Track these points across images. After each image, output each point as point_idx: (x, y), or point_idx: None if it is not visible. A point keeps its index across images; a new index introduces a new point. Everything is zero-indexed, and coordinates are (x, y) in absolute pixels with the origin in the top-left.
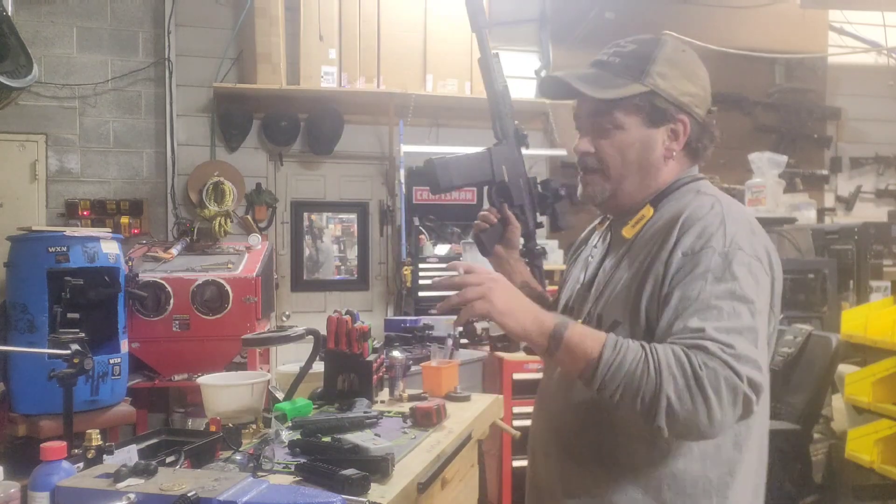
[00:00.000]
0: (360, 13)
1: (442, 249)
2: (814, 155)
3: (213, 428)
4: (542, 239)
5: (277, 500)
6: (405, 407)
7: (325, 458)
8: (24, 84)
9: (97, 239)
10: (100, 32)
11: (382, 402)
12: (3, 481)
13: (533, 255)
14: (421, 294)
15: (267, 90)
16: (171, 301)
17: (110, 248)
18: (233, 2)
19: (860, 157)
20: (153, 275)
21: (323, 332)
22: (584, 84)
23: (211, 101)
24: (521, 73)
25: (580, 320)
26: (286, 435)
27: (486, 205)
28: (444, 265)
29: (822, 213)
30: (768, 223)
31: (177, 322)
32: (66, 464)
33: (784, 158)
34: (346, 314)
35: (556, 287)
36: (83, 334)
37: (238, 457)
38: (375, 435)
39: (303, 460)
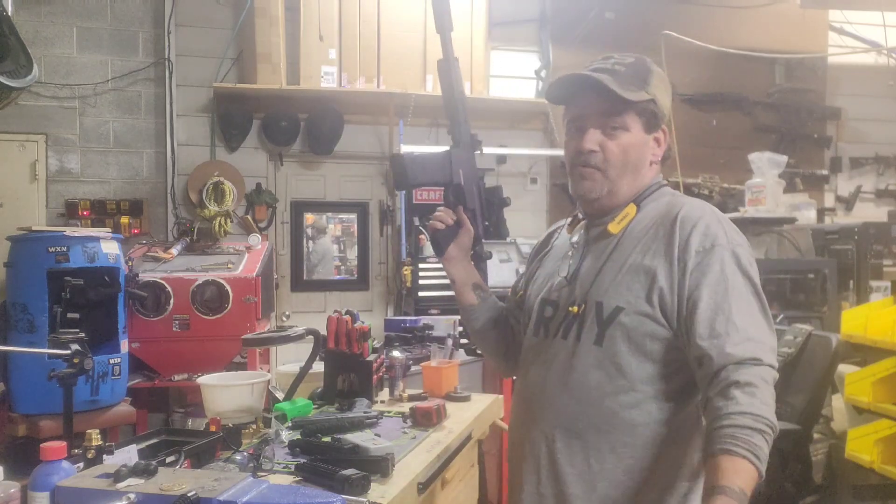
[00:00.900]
0: (360, 13)
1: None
2: (814, 155)
3: (213, 428)
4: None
5: (277, 500)
6: (405, 407)
7: (325, 458)
8: (24, 84)
9: (97, 239)
10: (100, 32)
11: (382, 402)
12: (3, 481)
13: (480, 259)
14: (421, 294)
15: (267, 90)
16: (171, 301)
17: (110, 248)
18: (233, 2)
19: (860, 157)
20: (153, 275)
21: (323, 332)
22: (614, 84)
23: (211, 101)
24: (521, 74)
25: (574, 309)
26: (286, 435)
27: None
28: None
29: (822, 213)
30: (768, 223)
31: (177, 322)
32: (66, 464)
33: (784, 158)
34: (346, 314)
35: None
36: (83, 334)
37: (238, 457)
38: (375, 435)
39: (303, 460)
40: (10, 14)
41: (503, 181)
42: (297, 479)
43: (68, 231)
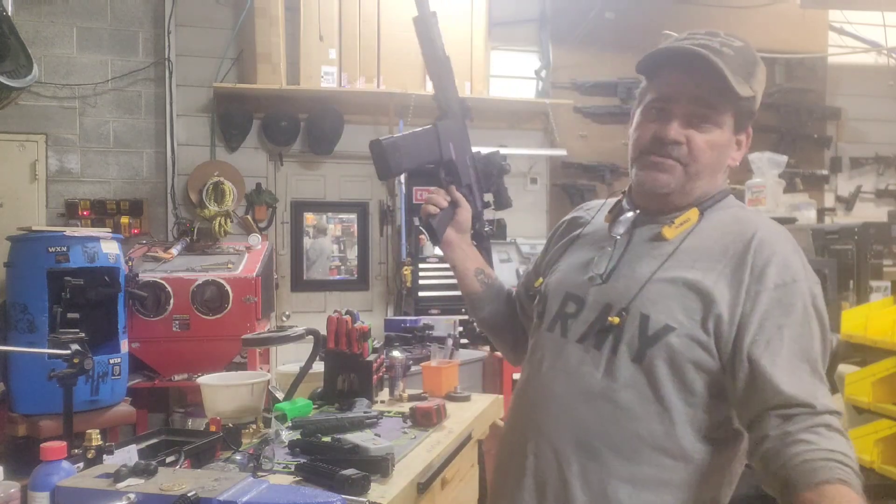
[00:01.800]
0: (360, 13)
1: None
2: (814, 155)
3: (213, 428)
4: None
5: (277, 500)
6: (405, 407)
7: (325, 458)
8: (24, 84)
9: (97, 239)
10: (100, 32)
11: (382, 402)
12: (3, 481)
13: (481, 238)
14: (421, 294)
15: (267, 90)
16: (171, 301)
17: (110, 248)
18: (233, 2)
19: (860, 157)
20: (153, 275)
21: (323, 332)
22: (732, 75)
23: (211, 101)
24: (521, 74)
25: (615, 320)
26: (286, 435)
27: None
28: (444, 265)
29: (822, 213)
30: None
31: (177, 322)
32: (66, 464)
33: (784, 158)
34: (346, 314)
35: None
36: (83, 334)
37: (238, 457)
38: (375, 435)
39: (303, 460)
40: (10, 14)
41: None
42: (297, 479)
43: (68, 231)
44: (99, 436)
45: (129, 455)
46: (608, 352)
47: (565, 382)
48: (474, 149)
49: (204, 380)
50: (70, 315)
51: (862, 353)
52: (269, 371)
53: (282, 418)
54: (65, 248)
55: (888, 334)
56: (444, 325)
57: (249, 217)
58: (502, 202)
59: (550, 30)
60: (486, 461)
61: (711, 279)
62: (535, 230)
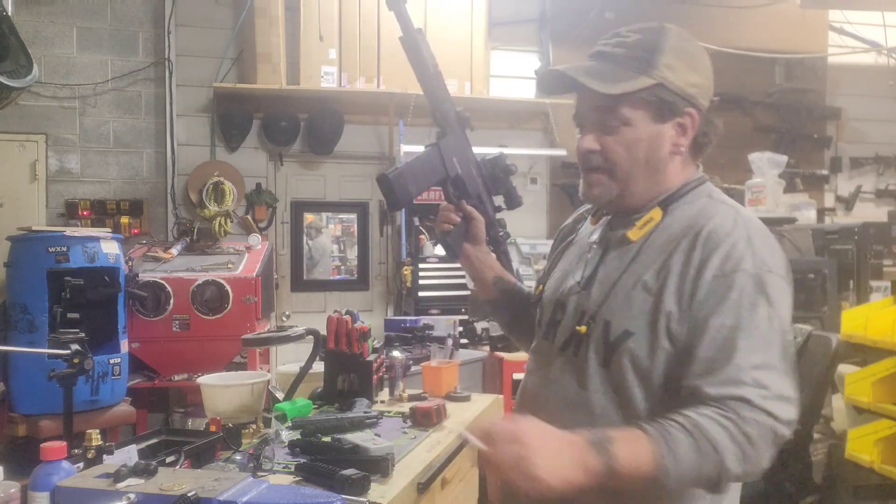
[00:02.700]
0: (360, 13)
1: (442, 250)
2: (814, 155)
3: (213, 428)
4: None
5: (277, 500)
6: (405, 407)
7: (325, 458)
8: (24, 84)
9: (97, 239)
10: (100, 32)
11: (382, 402)
12: (3, 481)
13: (497, 243)
14: (421, 294)
15: (267, 90)
16: (171, 301)
17: (110, 248)
18: (233, 2)
19: (860, 157)
20: (153, 275)
21: (323, 332)
22: (590, 78)
23: (211, 101)
24: (522, 73)
25: (582, 329)
26: (286, 435)
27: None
28: (444, 265)
29: (822, 213)
30: (768, 223)
31: (177, 322)
32: (66, 464)
33: (784, 158)
34: (346, 314)
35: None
36: (83, 334)
37: (238, 457)
38: (375, 435)
39: (303, 460)
40: (10, 14)
41: None
42: (297, 479)
43: (68, 231)
44: (99, 436)
45: (129, 455)
46: (582, 358)
47: (551, 391)
48: (479, 152)
49: (204, 380)
50: (70, 315)
51: (862, 353)
52: (269, 371)
53: (282, 418)
54: (65, 248)
55: (888, 334)
56: (443, 325)
57: (249, 217)
58: (513, 202)
59: (550, 30)
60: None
61: (662, 278)
62: (535, 230)
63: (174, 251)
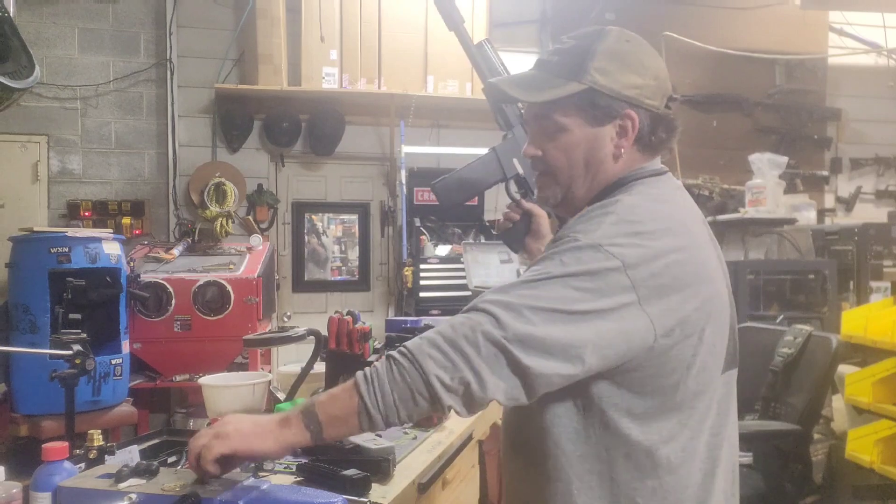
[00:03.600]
0: (361, 14)
1: (443, 250)
2: (814, 156)
3: None
4: None
5: (278, 500)
6: None
7: (326, 459)
8: (26, 85)
9: (99, 240)
10: (101, 33)
11: None
12: (4, 482)
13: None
14: (422, 295)
15: (268, 91)
16: (173, 302)
17: (112, 249)
18: (234, 3)
19: (860, 158)
20: (155, 275)
21: (324, 332)
22: (518, 88)
23: (212, 102)
24: None
25: None
26: None
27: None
28: (445, 266)
29: (822, 213)
30: (768, 224)
31: (178, 323)
32: (67, 464)
33: (784, 159)
34: (347, 315)
35: None
36: (85, 335)
37: None
38: (376, 435)
39: (304, 460)
40: (11, 15)
41: None
42: (298, 479)
43: (70, 232)
44: (101, 436)
45: (130, 455)
46: None
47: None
48: None
49: (205, 380)
50: (72, 316)
51: (862, 353)
52: (270, 371)
53: None
54: (66, 249)
55: (888, 335)
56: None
57: (251, 218)
58: None
59: (551, 31)
60: (486, 461)
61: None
62: None
63: (176, 252)
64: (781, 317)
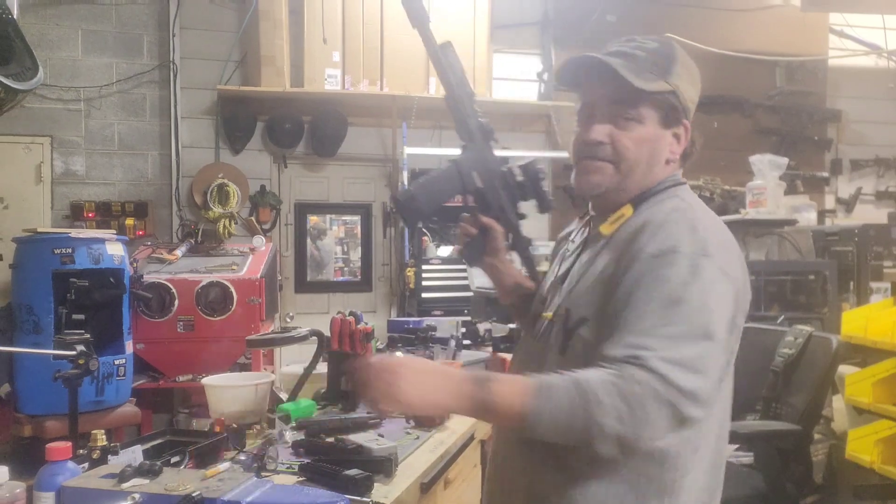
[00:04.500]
0: (363, 16)
1: (445, 251)
2: (814, 157)
3: (217, 428)
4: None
5: (281, 500)
6: None
7: (329, 459)
8: (30, 87)
9: (102, 240)
10: (105, 35)
11: None
12: (8, 481)
13: (520, 249)
14: (424, 295)
15: (271, 93)
16: (176, 302)
17: (115, 250)
18: (237, 5)
19: (860, 159)
20: (158, 276)
21: (326, 333)
22: (625, 69)
23: (215, 104)
24: (524, 76)
25: (549, 313)
26: (290, 435)
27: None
28: (447, 266)
29: (822, 214)
30: (769, 225)
31: (181, 323)
32: (71, 464)
33: (785, 161)
34: (349, 315)
35: None
36: (88, 335)
37: (242, 457)
38: (379, 435)
39: (306, 460)
40: (15, 17)
41: None
42: (300, 479)
43: (73, 233)
44: (104, 436)
45: (134, 455)
46: (544, 347)
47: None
48: (517, 156)
49: (208, 380)
50: (75, 316)
51: (862, 354)
52: (273, 372)
53: (286, 419)
54: (70, 250)
55: (888, 335)
56: (447, 326)
57: (253, 219)
58: (544, 206)
59: (553, 32)
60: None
61: (613, 266)
62: (537, 232)
63: (179, 253)
64: (782, 317)
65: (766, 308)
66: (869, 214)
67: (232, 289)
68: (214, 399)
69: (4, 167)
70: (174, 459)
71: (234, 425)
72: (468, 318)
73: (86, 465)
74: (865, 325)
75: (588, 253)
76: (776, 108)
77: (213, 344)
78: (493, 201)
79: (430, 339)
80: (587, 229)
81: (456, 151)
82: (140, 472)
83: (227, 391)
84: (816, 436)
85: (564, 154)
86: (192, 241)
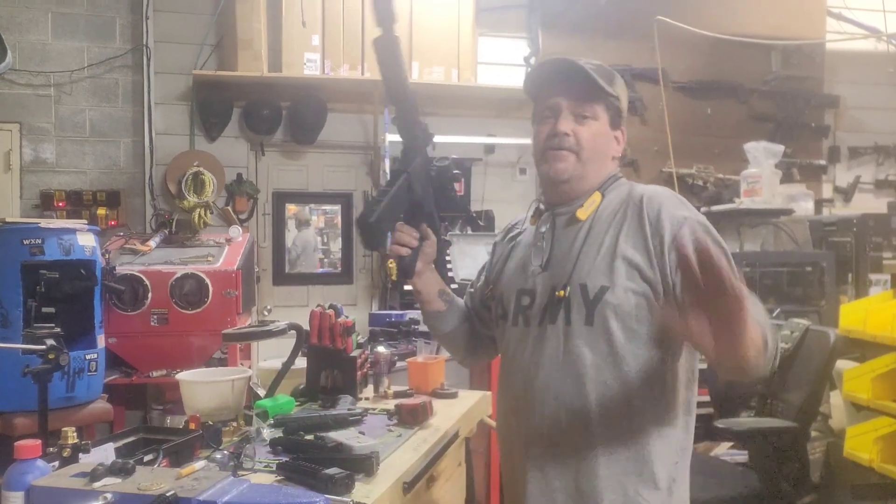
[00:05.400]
0: None
1: None
2: (811, 144)
3: (192, 426)
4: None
5: (259, 499)
6: (390, 404)
7: (308, 457)
8: None
9: (73, 231)
10: (75, 18)
11: (367, 398)
12: None
13: (441, 253)
14: (406, 288)
15: (248, 78)
16: (149, 295)
17: (86, 241)
18: None
19: (859, 146)
20: (131, 268)
21: (305, 326)
22: (594, 73)
23: (190, 89)
24: (510, 61)
25: (561, 293)
26: (268, 433)
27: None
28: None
29: (819, 204)
30: (764, 214)
31: (155, 316)
32: (40, 462)
33: (780, 148)
34: (329, 308)
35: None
36: (58, 329)
37: (218, 455)
38: (360, 433)
39: (285, 459)
40: None
41: (491, 171)
42: (278, 478)
43: (43, 223)
44: (75, 434)
45: (105, 453)
46: (563, 323)
47: (540, 360)
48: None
49: (183, 376)
50: (45, 309)
51: (861, 348)
52: (250, 367)
53: (263, 416)
54: (39, 241)
55: (888, 329)
56: None
57: (230, 208)
58: (457, 206)
59: (540, 15)
60: (473, 459)
61: (623, 239)
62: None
63: (152, 243)
64: (778, 310)
65: (762, 301)
66: (868, 204)
67: (207, 281)
68: (189, 395)
69: None
70: (147, 458)
71: (210, 422)
72: None
73: (56, 463)
74: (864, 319)
75: (565, 237)
76: (772, 94)
77: (188, 338)
78: (427, 208)
79: (413, 332)
80: (552, 221)
81: (441, 139)
82: (112, 470)
83: (203, 387)
84: (813, 433)
85: None
86: (166, 231)
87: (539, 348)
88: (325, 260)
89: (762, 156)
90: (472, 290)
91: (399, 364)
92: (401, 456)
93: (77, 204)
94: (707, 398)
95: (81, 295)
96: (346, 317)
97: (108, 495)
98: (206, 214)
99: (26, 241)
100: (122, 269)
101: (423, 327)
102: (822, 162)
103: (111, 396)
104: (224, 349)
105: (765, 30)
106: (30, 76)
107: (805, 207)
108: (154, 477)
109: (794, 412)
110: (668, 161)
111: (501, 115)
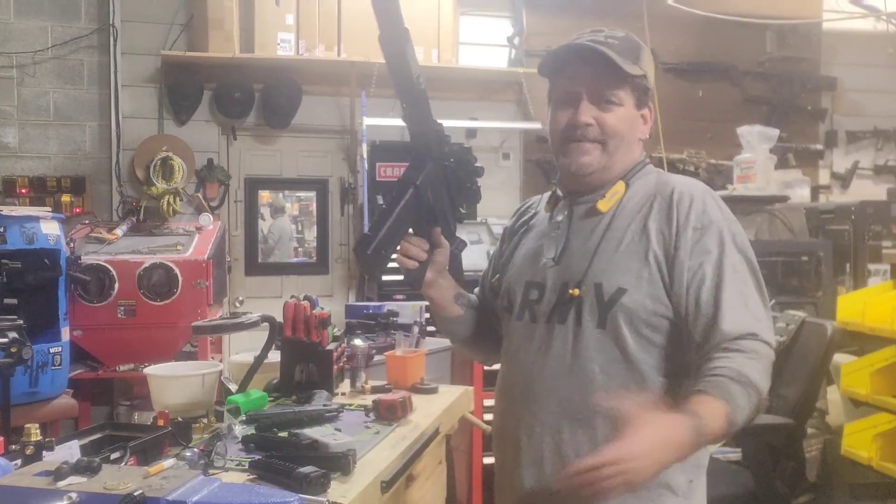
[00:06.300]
0: None
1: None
2: (808, 128)
3: (160, 422)
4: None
5: (230, 499)
6: (368, 399)
7: (282, 455)
8: None
9: (36, 219)
10: None
11: (343, 394)
12: None
13: (454, 258)
14: (385, 278)
15: (219, 59)
16: (116, 286)
17: (50, 229)
18: None
19: (857, 130)
20: (97, 257)
21: (279, 318)
22: (615, 55)
23: (158, 71)
24: (493, 41)
25: (575, 292)
26: (240, 430)
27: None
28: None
29: (816, 190)
30: (759, 202)
31: (122, 308)
32: (2, 461)
33: (776, 132)
34: (304, 300)
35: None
36: (21, 321)
37: (188, 453)
38: (336, 430)
39: (258, 457)
40: None
41: None
42: (251, 477)
43: (5, 210)
44: (38, 430)
45: (70, 451)
46: (573, 324)
47: (544, 361)
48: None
49: (151, 370)
50: (7, 300)
51: (859, 341)
52: (221, 361)
53: (235, 412)
54: (1, 229)
55: (887, 321)
56: (409, 311)
57: (200, 195)
58: (473, 203)
59: None
60: (454, 458)
61: (646, 236)
62: (507, 209)
63: (119, 232)
64: (773, 302)
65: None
66: (867, 190)
67: (176, 271)
68: (158, 390)
69: None
70: (114, 456)
71: (179, 419)
72: None
73: (18, 461)
74: (863, 311)
75: (584, 229)
76: (766, 76)
77: (157, 331)
78: (440, 214)
79: (391, 325)
80: (570, 210)
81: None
82: (77, 469)
83: (172, 382)
84: (810, 430)
85: (537, 125)
86: (134, 219)
87: (545, 348)
88: (300, 249)
89: (756, 140)
90: (482, 282)
91: (377, 358)
92: (378, 454)
93: (41, 190)
94: None
95: (45, 285)
96: (322, 308)
97: (73, 495)
98: (175, 201)
99: None
100: (87, 259)
101: (402, 319)
102: (819, 147)
103: (76, 392)
104: (194, 342)
105: (759, 9)
106: None
107: (801, 194)
108: (121, 476)
109: (790, 408)
110: (657, 146)
111: (484, 98)
